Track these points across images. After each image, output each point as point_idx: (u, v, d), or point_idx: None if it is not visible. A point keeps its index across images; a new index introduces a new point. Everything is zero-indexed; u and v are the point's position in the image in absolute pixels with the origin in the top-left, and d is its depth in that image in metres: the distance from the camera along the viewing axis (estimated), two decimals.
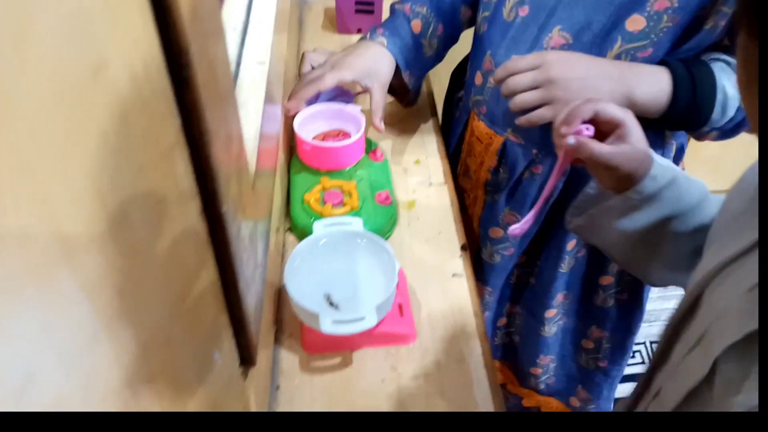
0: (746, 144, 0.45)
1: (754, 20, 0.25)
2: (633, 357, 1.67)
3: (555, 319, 1.02)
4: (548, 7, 0.77)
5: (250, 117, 0.57)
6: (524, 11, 0.79)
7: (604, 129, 0.57)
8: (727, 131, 0.75)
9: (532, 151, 0.85)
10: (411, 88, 0.96)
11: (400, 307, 0.74)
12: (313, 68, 0.92)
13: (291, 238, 0.86)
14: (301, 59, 0.96)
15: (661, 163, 0.58)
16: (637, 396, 0.54)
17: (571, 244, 0.91)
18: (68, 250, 0.25)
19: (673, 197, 0.57)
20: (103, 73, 0.24)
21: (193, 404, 0.39)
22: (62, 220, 0.24)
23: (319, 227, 0.77)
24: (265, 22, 0.68)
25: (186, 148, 0.31)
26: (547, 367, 1.10)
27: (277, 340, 0.73)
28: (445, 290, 0.80)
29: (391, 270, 0.71)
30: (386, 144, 1.01)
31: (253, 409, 0.51)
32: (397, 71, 0.92)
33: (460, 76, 1.02)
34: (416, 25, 0.92)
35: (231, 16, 0.64)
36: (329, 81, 0.85)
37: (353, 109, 0.92)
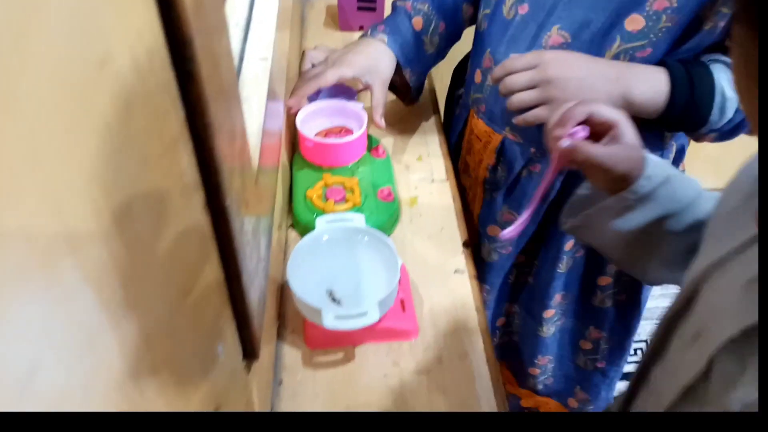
0: (746, 144, 0.46)
1: (754, 18, 0.25)
2: (635, 354, 1.67)
3: (553, 320, 1.02)
4: (547, 6, 0.77)
5: (253, 113, 0.57)
6: (524, 9, 0.79)
7: (597, 130, 0.57)
8: (726, 133, 0.75)
9: (530, 149, 0.85)
10: (412, 86, 0.96)
11: (403, 302, 0.74)
12: (313, 66, 0.92)
13: (293, 234, 0.86)
14: (302, 57, 0.96)
15: (656, 163, 0.58)
16: (633, 391, 0.55)
17: (569, 245, 0.91)
18: (73, 242, 0.25)
19: (668, 196, 0.57)
20: (107, 65, 0.24)
21: (197, 398, 0.40)
22: (67, 212, 0.24)
23: (321, 223, 0.77)
24: (268, 19, 0.69)
25: (190, 141, 0.31)
26: (545, 367, 1.09)
27: (280, 335, 0.73)
28: (447, 286, 0.80)
29: (393, 266, 0.72)
30: (388, 141, 1.01)
31: (256, 403, 0.51)
32: (399, 69, 0.92)
33: (461, 74, 1.02)
34: (417, 22, 0.92)
35: (233, 12, 0.64)
36: (330, 78, 0.85)
37: (355, 106, 0.92)
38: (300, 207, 0.85)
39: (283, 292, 0.78)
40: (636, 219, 0.58)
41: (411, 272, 0.80)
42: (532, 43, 0.79)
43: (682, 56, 0.73)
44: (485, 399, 0.68)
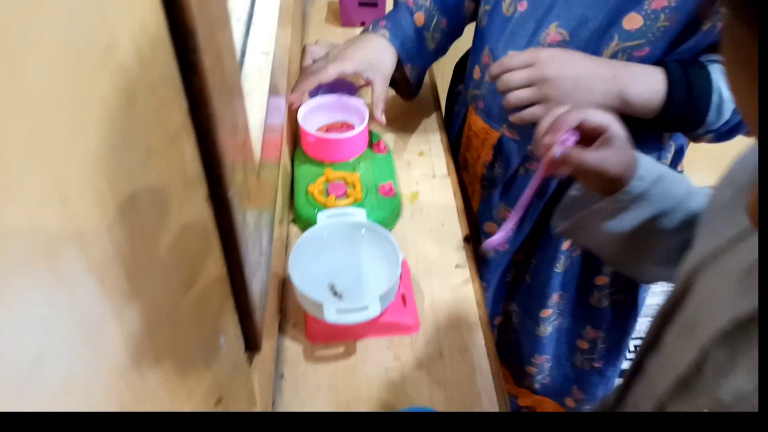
0: (746, 143, 0.46)
1: (754, 18, 0.25)
2: (633, 352, 1.67)
3: (550, 319, 1.01)
4: (546, 3, 0.76)
5: (255, 107, 0.57)
6: (523, 6, 0.79)
7: (588, 134, 0.57)
8: (723, 134, 0.74)
9: (528, 147, 0.85)
10: (412, 81, 0.96)
11: (404, 297, 0.74)
12: (315, 61, 0.92)
13: (295, 229, 0.86)
14: (303, 52, 0.96)
15: (647, 163, 0.58)
16: (628, 383, 0.55)
17: (566, 244, 0.91)
18: (78, 232, 0.25)
19: (661, 195, 0.57)
20: (111, 55, 0.24)
21: (200, 389, 0.40)
22: (71, 203, 0.24)
23: (322, 218, 0.77)
24: (269, 14, 0.69)
25: (193, 133, 0.32)
26: (542, 366, 1.09)
27: (281, 329, 0.74)
28: (448, 281, 0.80)
29: (394, 260, 0.72)
30: (390, 136, 1.01)
31: (258, 395, 0.51)
32: (399, 64, 0.92)
33: (462, 70, 1.02)
34: (419, 17, 0.92)
35: (236, 7, 0.64)
36: (331, 73, 0.85)
37: (357, 101, 0.92)
38: (301, 202, 0.85)
39: (284, 286, 0.78)
40: (630, 219, 0.58)
41: (412, 267, 0.80)
42: (531, 41, 0.79)
43: (681, 56, 0.72)
44: (486, 393, 0.68)
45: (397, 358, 0.71)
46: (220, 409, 0.43)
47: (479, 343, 0.73)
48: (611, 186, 0.57)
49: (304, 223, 0.83)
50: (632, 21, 0.71)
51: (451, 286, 0.79)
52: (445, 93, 1.12)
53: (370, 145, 0.93)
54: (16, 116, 0.20)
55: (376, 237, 0.76)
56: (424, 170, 0.96)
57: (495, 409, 0.67)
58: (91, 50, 0.24)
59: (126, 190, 0.27)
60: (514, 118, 0.76)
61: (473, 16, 0.96)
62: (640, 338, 0.56)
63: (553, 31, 0.76)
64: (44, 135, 0.22)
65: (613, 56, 0.74)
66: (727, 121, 0.72)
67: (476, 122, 0.92)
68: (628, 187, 0.56)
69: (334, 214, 0.78)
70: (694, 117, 0.71)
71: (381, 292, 0.67)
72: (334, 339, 0.72)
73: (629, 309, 0.99)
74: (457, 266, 0.82)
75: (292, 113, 0.90)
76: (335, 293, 0.73)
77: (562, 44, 0.76)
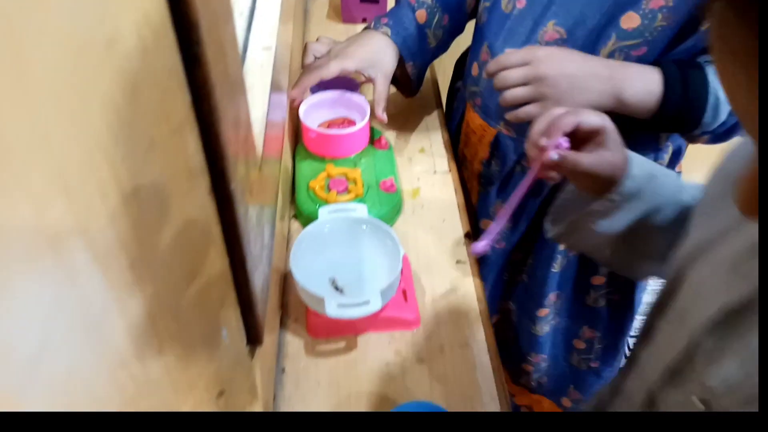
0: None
1: (752, 18, 0.25)
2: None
3: (547, 319, 1.01)
4: (544, 1, 0.76)
5: (257, 102, 0.57)
6: (521, 3, 0.79)
7: (580, 136, 0.57)
8: (720, 135, 0.74)
9: (524, 145, 0.85)
10: (413, 79, 0.96)
11: (405, 292, 0.75)
12: (316, 58, 0.92)
13: (296, 225, 0.87)
14: (304, 50, 0.96)
15: (639, 162, 0.58)
16: (623, 375, 0.55)
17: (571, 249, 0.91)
18: (81, 224, 0.25)
19: (653, 192, 0.58)
20: (115, 46, 0.24)
21: (202, 381, 0.40)
22: (75, 193, 0.24)
23: (324, 213, 0.77)
24: (271, 9, 0.69)
25: (196, 125, 0.32)
26: (538, 365, 1.09)
27: (283, 324, 0.74)
28: (449, 277, 0.80)
29: (395, 255, 0.72)
30: (391, 132, 1.01)
31: (260, 389, 0.52)
32: (401, 61, 0.92)
33: (462, 66, 1.02)
34: (421, 15, 0.92)
35: (238, 2, 0.65)
36: (332, 69, 0.85)
37: (358, 98, 0.92)
38: (303, 198, 0.85)
39: (285, 282, 0.78)
40: (623, 219, 0.58)
41: (413, 263, 0.81)
42: (528, 38, 0.79)
43: (679, 57, 0.72)
44: (486, 387, 0.68)
45: (397, 352, 0.71)
46: (222, 401, 0.44)
47: (480, 338, 0.73)
48: (604, 186, 0.57)
49: (306, 218, 0.83)
50: (630, 20, 0.71)
51: (451, 281, 0.80)
52: (446, 89, 1.12)
53: (372, 141, 0.93)
54: (20, 108, 0.20)
55: (377, 232, 0.76)
56: (425, 166, 0.96)
57: (495, 403, 0.67)
58: (95, 42, 0.24)
59: (129, 182, 0.27)
60: (509, 116, 0.76)
61: (474, 13, 0.96)
62: (637, 336, 0.57)
63: (551, 29, 0.76)
64: (47, 127, 0.22)
65: (611, 55, 0.74)
66: (724, 123, 0.71)
67: (474, 119, 0.92)
68: (622, 187, 0.56)
69: (336, 209, 0.78)
70: (690, 118, 0.71)
71: (382, 287, 0.67)
72: (335, 334, 0.73)
73: (626, 309, 0.99)
74: (457, 262, 0.82)
75: (294, 109, 0.90)
76: (336, 288, 0.73)
77: (560, 42, 0.76)
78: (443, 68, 1.18)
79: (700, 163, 1.24)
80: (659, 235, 0.58)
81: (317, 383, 0.68)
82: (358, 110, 0.93)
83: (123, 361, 0.31)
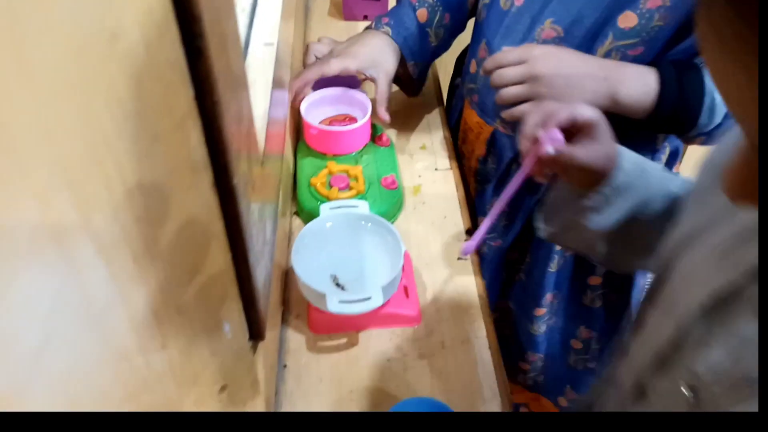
0: None
1: (751, 18, 0.25)
2: None
3: (544, 318, 1.01)
4: None
5: (258, 98, 0.57)
6: (519, 1, 0.79)
7: (572, 130, 0.57)
8: (715, 136, 0.74)
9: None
10: (415, 78, 0.96)
11: (406, 289, 0.75)
12: (317, 59, 0.92)
13: (297, 222, 0.87)
14: (306, 50, 0.96)
15: (628, 154, 0.59)
16: (614, 363, 0.56)
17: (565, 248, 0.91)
18: (86, 214, 0.25)
19: (642, 184, 0.58)
20: (118, 39, 0.24)
21: (205, 375, 0.40)
22: (80, 187, 0.24)
23: (325, 210, 0.77)
24: (273, 5, 0.69)
25: (198, 119, 0.32)
26: (535, 364, 1.09)
27: (284, 320, 0.74)
28: (450, 273, 0.80)
29: (396, 251, 0.72)
30: (392, 129, 1.01)
31: (262, 384, 0.52)
32: (402, 61, 0.92)
33: (462, 63, 1.02)
34: (422, 14, 0.92)
35: None
36: (334, 67, 0.85)
37: (359, 95, 0.93)
38: (304, 194, 0.85)
39: (287, 278, 0.78)
40: (615, 213, 0.58)
41: (414, 259, 0.81)
42: (526, 36, 0.78)
43: (676, 57, 0.72)
44: (487, 383, 0.68)
45: (399, 348, 0.71)
46: (224, 396, 0.44)
47: (481, 334, 0.73)
48: (595, 180, 0.57)
49: (307, 215, 0.83)
50: (627, 19, 0.71)
51: (453, 277, 0.80)
52: (447, 87, 1.12)
53: (373, 138, 0.93)
54: (24, 102, 0.20)
55: (379, 229, 0.76)
56: (427, 163, 0.97)
57: (496, 399, 0.67)
58: (98, 36, 0.24)
59: (133, 176, 0.28)
60: (505, 114, 0.76)
61: (475, 10, 0.96)
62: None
63: (548, 27, 0.76)
64: (51, 121, 0.22)
65: (607, 54, 0.73)
66: (720, 125, 0.71)
67: (471, 116, 0.92)
68: (613, 180, 0.57)
69: (337, 206, 0.78)
70: (685, 119, 0.71)
71: (383, 283, 0.67)
72: (336, 330, 0.73)
73: (622, 309, 0.99)
74: (458, 258, 0.82)
75: (295, 106, 0.90)
76: (338, 285, 0.73)
77: (557, 41, 0.76)
78: (444, 65, 1.18)
79: (698, 165, 1.25)
80: (651, 228, 0.59)
81: (319, 379, 0.68)
82: (359, 107, 0.93)
83: (126, 354, 0.31)
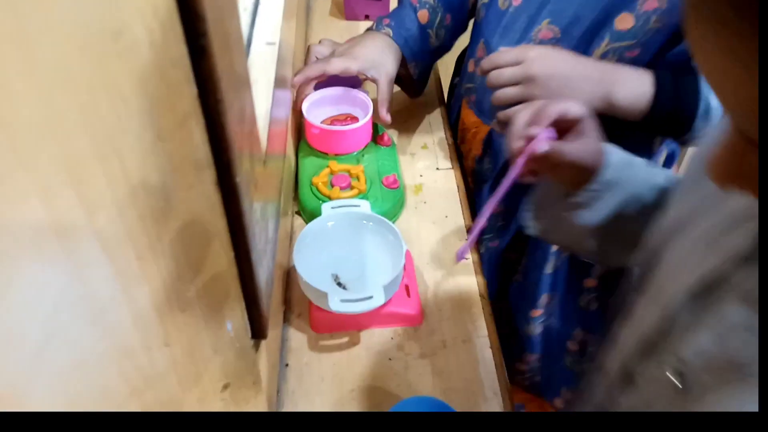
0: None
1: (750, 19, 0.25)
2: None
3: (540, 319, 1.01)
4: None
5: (260, 97, 0.57)
6: (517, 1, 0.79)
7: (561, 127, 0.57)
8: None
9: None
10: (416, 79, 0.96)
11: (407, 288, 0.75)
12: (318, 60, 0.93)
13: (299, 221, 0.87)
14: (307, 52, 0.96)
15: (615, 150, 0.59)
16: (602, 351, 0.56)
17: (555, 245, 0.91)
18: (90, 212, 0.25)
19: (630, 178, 0.58)
20: (123, 37, 0.25)
21: (208, 373, 0.40)
22: (85, 184, 0.25)
23: (327, 209, 0.78)
24: (275, 5, 0.69)
25: (202, 117, 0.32)
26: (531, 365, 1.09)
27: (286, 319, 0.74)
28: (452, 272, 0.80)
29: (398, 251, 0.72)
30: (394, 129, 1.01)
31: (264, 382, 0.52)
32: (404, 61, 0.92)
33: (462, 63, 1.02)
34: (423, 15, 0.92)
35: None
36: (335, 65, 0.85)
37: (361, 94, 0.93)
38: (306, 194, 0.85)
39: (289, 277, 0.78)
40: (603, 208, 0.59)
41: (416, 258, 0.81)
42: (523, 36, 0.79)
43: (673, 59, 0.72)
44: (488, 383, 0.68)
45: (400, 348, 0.72)
46: (227, 394, 0.44)
47: (482, 333, 0.74)
48: (583, 177, 0.58)
49: (309, 214, 0.84)
50: (624, 21, 0.71)
51: (454, 277, 0.80)
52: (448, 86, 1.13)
53: (374, 137, 0.93)
54: (28, 100, 0.21)
55: (380, 228, 0.76)
56: (428, 162, 0.97)
57: (497, 399, 0.67)
58: (103, 34, 0.24)
59: (137, 173, 0.28)
60: (500, 115, 0.76)
61: (474, 10, 0.96)
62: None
63: (545, 28, 0.76)
64: (56, 118, 0.22)
65: (604, 56, 0.73)
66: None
67: (468, 116, 0.92)
68: (601, 176, 0.57)
69: (339, 205, 0.79)
70: (680, 122, 0.71)
71: (385, 282, 0.67)
72: (338, 329, 0.73)
73: None
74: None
75: (297, 105, 0.90)
76: (339, 284, 0.73)
77: (554, 41, 0.76)
78: (446, 65, 1.18)
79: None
80: (639, 221, 0.59)
81: (320, 378, 0.68)
82: (361, 107, 0.93)
83: (129, 352, 0.31)
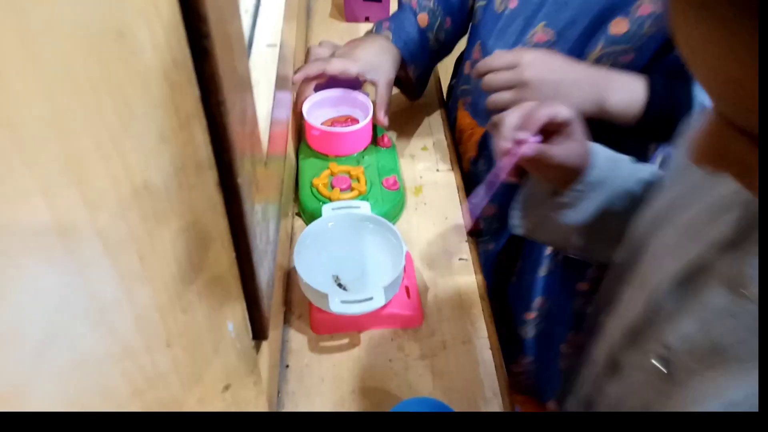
0: None
1: (750, 19, 0.25)
2: None
3: (534, 322, 1.01)
4: (536, 2, 0.76)
5: (261, 98, 0.57)
6: (513, 3, 0.79)
7: (548, 129, 0.58)
8: None
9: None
10: (415, 82, 0.96)
11: (408, 289, 0.75)
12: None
13: (299, 222, 0.87)
14: (307, 54, 0.96)
15: (600, 150, 0.60)
16: (588, 341, 0.56)
17: (549, 248, 0.91)
18: (92, 212, 0.25)
19: (615, 178, 0.59)
20: (125, 38, 0.25)
21: (209, 374, 0.40)
22: (87, 182, 0.25)
23: (327, 210, 0.78)
24: (275, 7, 0.69)
25: (204, 118, 0.32)
26: (525, 368, 1.09)
27: (286, 321, 0.74)
28: (452, 274, 0.80)
29: (398, 252, 0.72)
30: (393, 131, 1.02)
31: (265, 383, 0.52)
32: (403, 64, 0.92)
33: (460, 65, 1.02)
34: (423, 18, 0.92)
35: None
36: (335, 66, 0.85)
37: (361, 96, 0.93)
38: (306, 195, 0.85)
39: (289, 279, 0.78)
40: (588, 208, 0.59)
41: (416, 260, 0.81)
42: (518, 39, 0.79)
43: (667, 65, 0.72)
44: (488, 384, 0.68)
45: (400, 349, 0.72)
46: (228, 395, 0.44)
47: (482, 334, 0.74)
48: (569, 177, 0.58)
49: (309, 216, 0.84)
50: (619, 26, 0.71)
51: (454, 278, 0.80)
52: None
53: (374, 139, 0.93)
54: (31, 100, 0.21)
55: (381, 229, 0.76)
56: (428, 164, 0.97)
57: (497, 400, 0.67)
58: (105, 34, 0.24)
59: (140, 173, 0.28)
60: (495, 118, 0.76)
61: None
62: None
63: (540, 31, 0.76)
64: (59, 118, 0.22)
65: (599, 60, 0.73)
66: None
67: (464, 117, 0.92)
68: (587, 177, 0.57)
69: (339, 206, 0.79)
70: (673, 128, 0.71)
71: (385, 283, 0.67)
72: (338, 330, 0.73)
73: None
74: (460, 259, 0.82)
75: (297, 107, 0.90)
76: (339, 285, 0.73)
77: (549, 44, 0.76)
78: (446, 67, 1.18)
79: None
80: (625, 217, 0.59)
81: (321, 379, 0.68)
82: (361, 108, 0.93)
83: (131, 352, 0.31)
